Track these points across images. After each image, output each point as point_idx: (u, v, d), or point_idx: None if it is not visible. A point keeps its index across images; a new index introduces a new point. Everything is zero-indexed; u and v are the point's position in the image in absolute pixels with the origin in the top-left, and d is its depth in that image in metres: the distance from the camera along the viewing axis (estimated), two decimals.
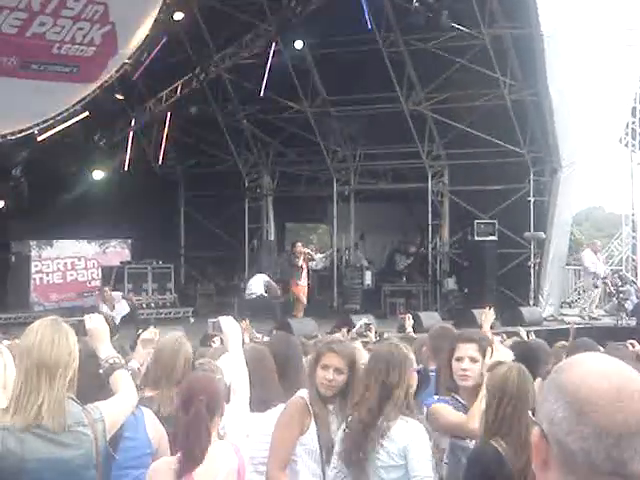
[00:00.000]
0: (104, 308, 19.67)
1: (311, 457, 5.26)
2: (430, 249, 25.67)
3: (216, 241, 27.00)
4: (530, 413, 4.60)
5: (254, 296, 21.92)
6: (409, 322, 12.02)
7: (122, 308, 20.67)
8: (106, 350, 4.67)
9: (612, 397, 1.77)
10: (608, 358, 1.88)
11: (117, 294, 21.37)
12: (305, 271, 22.23)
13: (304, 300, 21.80)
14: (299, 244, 23.10)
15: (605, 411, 1.76)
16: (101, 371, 4.60)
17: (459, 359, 5.62)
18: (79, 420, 4.19)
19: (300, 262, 22.00)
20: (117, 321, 16.80)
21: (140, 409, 5.19)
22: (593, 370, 1.82)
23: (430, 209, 25.34)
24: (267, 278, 22.52)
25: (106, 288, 21.60)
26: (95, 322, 4.74)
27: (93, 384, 4.57)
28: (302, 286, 21.99)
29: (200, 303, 25.15)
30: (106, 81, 20.43)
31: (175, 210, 28.50)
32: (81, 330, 4.74)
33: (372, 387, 5.12)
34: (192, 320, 21.84)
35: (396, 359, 5.18)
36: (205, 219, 27.32)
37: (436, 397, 5.83)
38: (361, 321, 15.22)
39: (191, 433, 4.60)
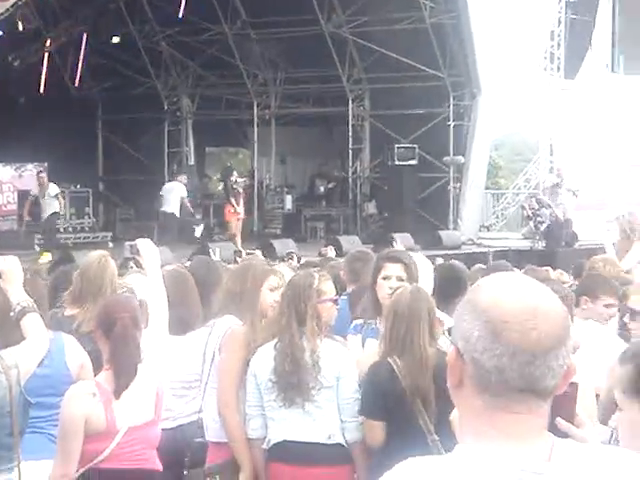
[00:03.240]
0: None
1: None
2: (350, 173, 25.73)
3: (135, 165, 26.68)
4: (447, 332, 4.71)
5: (169, 211, 21.81)
6: (331, 253, 12.06)
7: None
8: (18, 293, 4.60)
9: (526, 316, 1.79)
10: (523, 278, 1.90)
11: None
12: (241, 197, 22.06)
13: (239, 226, 21.71)
14: (235, 171, 22.97)
15: (519, 329, 1.78)
16: (12, 314, 4.52)
17: (386, 278, 5.64)
18: None
19: (238, 188, 21.87)
20: None
21: (60, 335, 5.14)
22: (507, 289, 1.84)
23: (351, 133, 25.35)
24: (184, 194, 22.26)
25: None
26: (9, 264, 4.65)
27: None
28: (238, 212, 21.84)
29: (119, 228, 24.95)
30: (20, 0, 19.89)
31: (93, 133, 28.04)
32: None
33: (287, 317, 5.17)
34: (111, 245, 21.64)
35: (303, 287, 5.23)
36: (124, 142, 26.95)
37: (356, 323, 5.85)
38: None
39: (120, 350, 4.58)
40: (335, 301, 5.50)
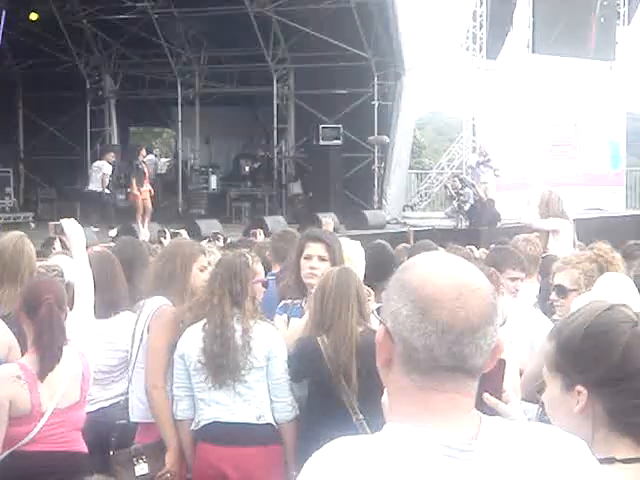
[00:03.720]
0: None
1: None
2: (275, 153, 25.68)
3: (57, 145, 26.31)
4: (375, 312, 4.74)
5: (93, 189, 21.53)
6: (260, 237, 11.99)
7: None
8: None
9: (454, 294, 1.81)
10: (451, 257, 1.92)
11: None
12: (148, 174, 21.81)
13: (149, 205, 21.47)
14: (143, 148, 22.67)
15: (447, 308, 1.80)
16: None
17: (307, 257, 5.66)
18: None
19: (144, 167, 21.62)
20: None
21: None
22: (436, 268, 1.85)
23: (275, 113, 25.28)
24: (108, 171, 21.95)
25: None
26: None
27: None
28: (146, 190, 21.58)
29: (41, 208, 24.61)
30: None
31: (13, 112, 27.57)
32: None
33: (219, 297, 5.15)
34: (33, 225, 21.36)
35: (237, 268, 5.22)
36: (45, 122, 26.55)
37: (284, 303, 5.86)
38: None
39: (45, 333, 4.54)
40: (266, 283, 5.51)
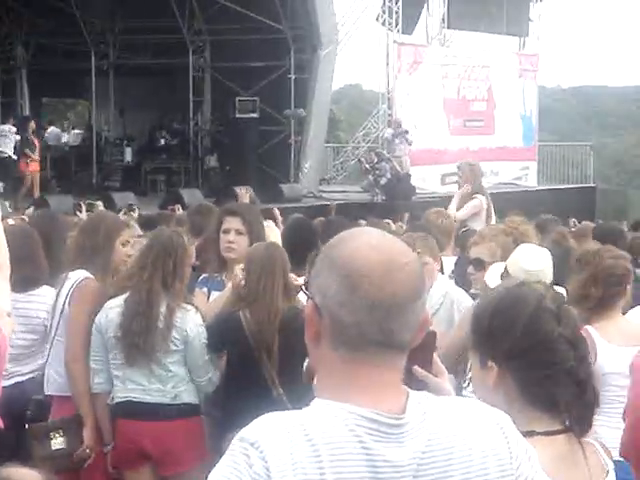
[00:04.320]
0: None
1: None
2: (192, 126, 25.49)
3: None
4: (303, 287, 4.76)
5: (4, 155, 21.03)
6: (178, 212, 11.90)
7: None
8: None
9: (383, 269, 1.82)
10: (379, 232, 1.93)
11: None
12: (38, 148, 21.37)
13: (37, 178, 21.07)
14: (32, 120, 22.08)
15: (376, 283, 1.81)
16: None
17: (225, 231, 5.66)
18: None
19: (33, 139, 21.18)
20: None
21: None
22: (365, 244, 1.86)
23: (191, 85, 25.07)
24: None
25: None
26: None
27: None
28: (36, 164, 21.18)
29: None
30: None
31: None
32: None
33: (149, 272, 5.09)
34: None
35: (174, 247, 5.18)
36: None
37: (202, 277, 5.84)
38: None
39: None
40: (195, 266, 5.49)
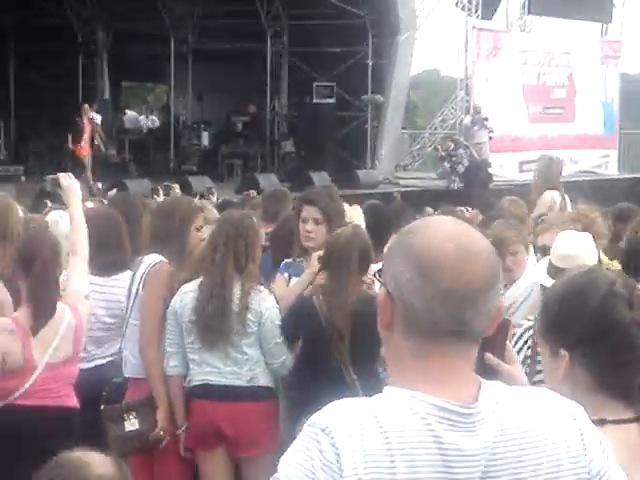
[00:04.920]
0: None
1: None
2: (268, 111, 25.57)
3: (49, 98, 26.10)
4: (377, 274, 4.74)
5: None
6: (254, 197, 11.92)
7: None
8: None
9: (457, 258, 1.80)
10: (454, 220, 1.91)
11: None
12: (88, 133, 21.63)
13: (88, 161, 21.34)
14: (86, 105, 22.32)
15: (450, 272, 1.79)
16: None
17: (304, 220, 5.67)
18: None
19: (84, 123, 21.45)
20: None
21: None
22: (440, 232, 1.84)
23: (269, 70, 25.15)
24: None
25: None
26: None
27: None
28: (85, 147, 21.47)
29: (32, 161, 24.44)
30: None
31: (4, 64, 27.34)
32: None
33: (222, 254, 5.12)
34: (23, 178, 21.25)
35: (245, 228, 5.20)
36: (37, 74, 26.33)
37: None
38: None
39: (39, 287, 4.53)
40: (265, 247, 5.50)
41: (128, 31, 26.08)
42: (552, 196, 9.55)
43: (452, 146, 22.91)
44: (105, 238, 5.63)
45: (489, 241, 1.90)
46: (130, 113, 27.65)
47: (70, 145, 20.87)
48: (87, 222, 5.17)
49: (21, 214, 5.89)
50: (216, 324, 5.09)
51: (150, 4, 25.29)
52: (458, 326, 1.81)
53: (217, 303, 5.09)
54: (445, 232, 1.84)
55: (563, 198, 9.71)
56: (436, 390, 1.80)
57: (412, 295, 1.81)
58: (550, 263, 4.68)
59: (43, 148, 25.27)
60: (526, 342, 3.78)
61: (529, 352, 3.72)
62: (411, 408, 1.78)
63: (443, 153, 23.08)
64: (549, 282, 3.54)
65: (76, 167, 20.33)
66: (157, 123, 27.63)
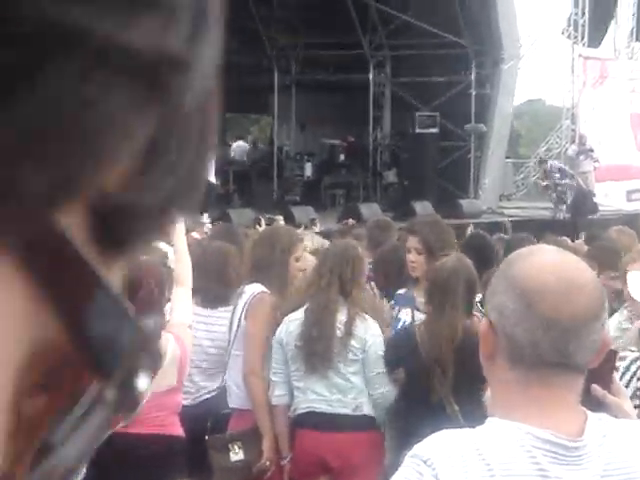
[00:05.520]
0: None
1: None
2: (371, 141, 25.64)
3: None
4: (478, 304, 4.72)
5: None
6: (355, 227, 11.97)
7: None
8: None
9: (561, 290, 1.78)
10: (557, 251, 1.89)
11: None
12: None
13: None
14: None
15: (553, 304, 1.77)
16: None
17: (408, 250, 5.71)
18: None
19: None
20: None
21: None
22: (543, 263, 1.82)
23: (371, 100, 25.23)
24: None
25: None
26: None
27: None
28: None
29: None
30: None
31: None
32: None
33: (327, 280, 5.14)
34: None
35: (350, 256, 5.24)
36: None
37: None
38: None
39: (143, 314, 4.58)
40: (369, 277, 5.53)
41: (232, 63, 26.50)
42: None
43: (558, 175, 22.59)
44: (212, 271, 5.72)
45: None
46: (239, 143, 28.02)
47: None
48: (195, 254, 5.24)
49: None
50: (320, 348, 5.09)
51: (254, 35, 25.66)
52: (562, 358, 1.78)
53: (321, 328, 5.10)
54: (547, 262, 1.82)
55: None
56: (541, 422, 1.77)
57: (515, 326, 1.79)
58: None
59: None
60: (635, 373, 3.69)
61: (639, 384, 3.63)
62: (515, 440, 1.76)
63: (549, 182, 22.79)
64: None
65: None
66: (256, 154, 27.86)
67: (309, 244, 6.66)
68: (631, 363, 3.71)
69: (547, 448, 1.75)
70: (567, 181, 22.10)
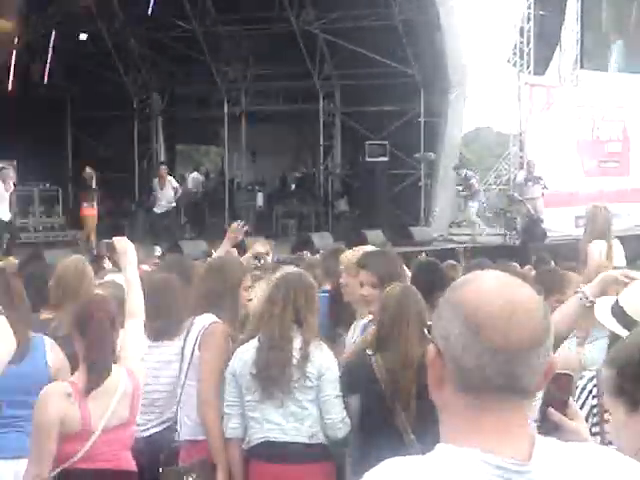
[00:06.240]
0: None
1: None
2: (322, 170, 25.73)
3: (105, 163, 26.49)
4: (426, 331, 4.70)
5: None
6: (308, 256, 11.97)
7: None
8: None
9: (506, 314, 1.78)
10: (502, 275, 1.89)
11: None
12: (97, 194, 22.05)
13: (94, 223, 21.75)
14: (88, 168, 22.68)
15: (499, 328, 1.78)
16: None
17: (360, 284, 5.68)
18: None
19: (94, 184, 21.83)
20: None
21: (41, 337, 5.15)
22: (488, 287, 1.83)
23: (322, 130, 25.34)
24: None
25: None
26: None
27: None
28: (95, 209, 21.89)
29: None
30: None
31: (62, 131, 27.86)
32: None
33: (281, 307, 5.13)
34: (80, 243, 21.55)
35: (304, 284, 5.23)
36: (93, 140, 26.79)
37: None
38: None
39: (94, 350, 4.56)
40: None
41: (182, 95, 26.51)
42: (598, 245, 9.45)
43: (507, 202, 22.83)
44: (160, 304, 5.69)
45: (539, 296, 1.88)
46: (195, 175, 28.02)
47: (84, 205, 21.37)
48: (143, 286, 5.22)
49: (93, 278, 6.00)
50: (276, 373, 5.07)
51: (203, 68, 25.69)
52: (509, 382, 1.79)
53: (277, 354, 5.08)
54: (492, 287, 1.83)
55: (610, 248, 9.59)
56: (489, 447, 1.78)
57: (462, 352, 1.79)
58: (622, 313, 4.58)
59: (100, 213, 25.58)
60: (590, 392, 3.72)
61: (594, 401, 3.66)
62: (464, 466, 1.76)
63: (498, 209, 23.01)
64: (623, 332, 3.49)
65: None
66: (200, 184, 27.85)
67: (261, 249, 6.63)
68: (588, 382, 3.74)
69: (495, 473, 1.75)
70: (515, 207, 22.32)
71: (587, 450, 1.89)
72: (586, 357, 4.81)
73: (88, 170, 21.88)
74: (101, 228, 23.52)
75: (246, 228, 8.34)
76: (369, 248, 6.84)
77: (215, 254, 8.07)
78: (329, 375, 5.11)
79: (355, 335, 5.79)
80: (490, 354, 1.77)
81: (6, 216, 19.45)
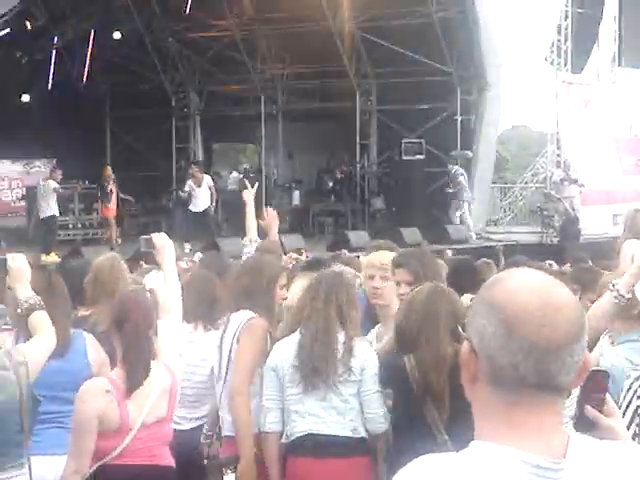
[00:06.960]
0: None
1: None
2: (358, 168, 25.71)
3: (143, 161, 26.67)
4: (460, 328, 4.68)
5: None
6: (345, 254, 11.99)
7: None
8: (25, 290, 4.61)
9: (540, 312, 1.79)
10: (537, 273, 1.90)
11: None
12: (114, 194, 22.17)
13: (113, 222, 22.00)
14: (108, 167, 22.82)
15: (534, 326, 1.79)
16: (19, 311, 4.55)
17: (397, 284, 5.69)
18: (2, 364, 4.16)
19: (109, 186, 22.02)
20: None
21: (81, 333, 5.21)
22: (522, 285, 1.84)
23: (358, 128, 25.32)
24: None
25: None
26: (17, 262, 4.64)
27: None
28: (112, 209, 22.10)
29: (127, 224, 24.92)
30: None
31: (101, 130, 28.05)
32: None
33: (323, 302, 5.17)
34: (119, 240, 21.69)
35: (345, 281, 5.29)
36: (132, 139, 26.96)
37: None
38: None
39: (132, 348, 4.61)
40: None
41: (219, 93, 26.60)
42: (632, 245, 9.36)
43: (544, 200, 22.70)
44: (198, 298, 5.75)
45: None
46: (234, 174, 28.08)
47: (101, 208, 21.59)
48: (181, 282, 5.27)
49: (127, 275, 6.07)
50: (320, 365, 5.08)
51: (240, 66, 25.77)
52: (543, 380, 1.80)
53: (321, 347, 5.09)
54: (527, 284, 1.84)
55: None
56: (523, 445, 1.78)
57: (496, 350, 1.80)
58: None
59: (137, 211, 25.78)
60: (636, 392, 3.69)
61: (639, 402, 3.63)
62: (498, 464, 1.77)
63: (536, 207, 22.88)
64: None
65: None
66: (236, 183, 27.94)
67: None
68: (633, 381, 3.71)
69: (530, 471, 1.76)
70: (552, 205, 22.18)
71: (622, 448, 1.89)
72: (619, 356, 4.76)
73: (107, 172, 22.15)
74: (138, 226, 23.71)
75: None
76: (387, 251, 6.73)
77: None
78: (371, 370, 5.12)
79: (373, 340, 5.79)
80: (524, 352, 1.78)
81: (57, 212, 20.37)
